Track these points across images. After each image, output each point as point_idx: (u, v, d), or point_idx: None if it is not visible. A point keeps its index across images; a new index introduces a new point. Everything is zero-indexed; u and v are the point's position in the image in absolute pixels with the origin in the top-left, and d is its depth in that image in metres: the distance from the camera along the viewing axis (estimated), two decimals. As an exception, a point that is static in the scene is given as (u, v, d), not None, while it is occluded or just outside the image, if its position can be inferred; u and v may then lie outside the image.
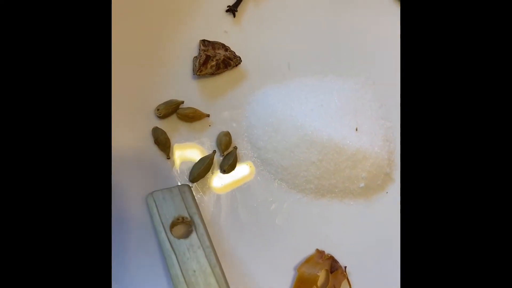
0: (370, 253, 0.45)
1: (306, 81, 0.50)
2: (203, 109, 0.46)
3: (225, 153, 0.46)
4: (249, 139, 0.47)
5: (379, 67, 0.52)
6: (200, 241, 0.40)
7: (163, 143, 0.44)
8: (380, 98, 0.51)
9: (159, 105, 0.45)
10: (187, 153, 0.45)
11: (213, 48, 0.47)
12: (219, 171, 0.45)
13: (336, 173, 0.45)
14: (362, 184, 0.46)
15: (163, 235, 0.40)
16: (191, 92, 0.47)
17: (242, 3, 0.51)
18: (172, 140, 0.45)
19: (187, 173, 0.44)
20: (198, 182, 0.45)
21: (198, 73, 0.46)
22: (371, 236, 0.46)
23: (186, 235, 0.40)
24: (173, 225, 0.41)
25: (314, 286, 0.42)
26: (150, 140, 0.45)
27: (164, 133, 0.44)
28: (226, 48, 0.47)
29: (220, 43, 0.47)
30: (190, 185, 0.44)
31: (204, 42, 0.47)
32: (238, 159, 0.46)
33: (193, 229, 0.40)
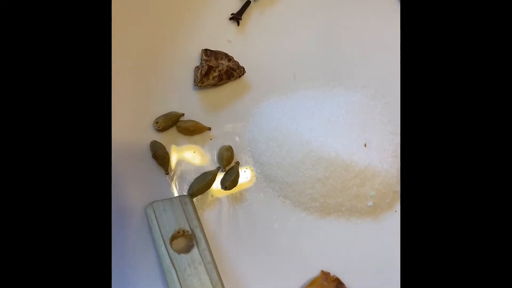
0: (377, 275, 0.43)
1: (312, 93, 0.48)
2: (204, 121, 0.44)
3: (227, 168, 0.44)
4: (252, 154, 0.45)
5: (389, 79, 0.50)
6: (201, 256, 0.38)
7: (161, 158, 0.42)
8: (389, 112, 0.49)
9: (158, 118, 0.43)
10: (187, 168, 0.43)
11: (216, 58, 0.45)
12: (220, 187, 0.43)
13: (343, 191, 0.44)
14: (370, 203, 0.45)
15: (163, 249, 0.38)
16: (192, 104, 0.45)
17: (246, 11, 0.49)
18: (171, 154, 0.43)
19: (186, 187, 0.43)
20: (198, 198, 0.43)
21: (199, 85, 0.44)
22: (379, 257, 0.44)
23: (187, 249, 0.39)
24: (173, 238, 0.39)
25: (319, 311, 0.40)
26: (148, 154, 0.43)
27: (163, 147, 0.43)
28: (229, 58, 0.45)
29: (223, 52, 0.46)
30: (190, 201, 0.42)
31: (206, 51, 0.45)
32: (240, 175, 0.44)
33: (194, 243, 0.39)
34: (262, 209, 0.44)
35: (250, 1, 0.49)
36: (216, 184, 0.43)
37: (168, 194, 0.42)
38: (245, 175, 0.44)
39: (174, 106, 0.45)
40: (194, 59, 0.47)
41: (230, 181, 0.42)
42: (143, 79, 0.45)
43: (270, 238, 0.43)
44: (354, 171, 0.43)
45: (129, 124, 0.43)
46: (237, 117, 0.46)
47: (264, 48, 0.49)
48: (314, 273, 0.43)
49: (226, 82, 0.46)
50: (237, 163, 0.44)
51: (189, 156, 0.44)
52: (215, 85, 0.45)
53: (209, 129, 0.44)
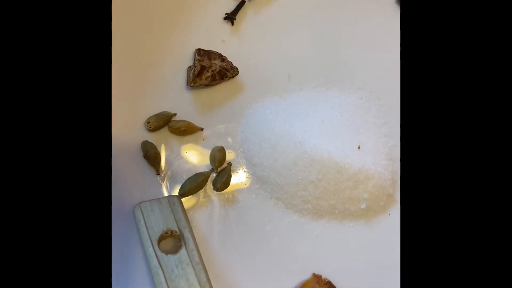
0: (370, 278, 0.43)
1: (307, 94, 0.48)
2: (196, 122, 0.44)
3: (219, 169, 0.43)
4: (245, 155, 0.45)
5: (384, 81, 0.50)
6: (189, 257, 0.38)
7: (153, 158, 0.42)
8: (384, 114, 0.48)
9: (150, 117, 0.43)
10: (179, 168, 0.43)
11: (209, 58, 0.44)
12: (211, 188, 0.43)
13: (336, 193, 0.43)
14: (363, 206, 0.44)
15: (150, 249, 0.38)
16: (184, 104, 0.45)
17: (241, 11, 0.49)
18: (163, 155, 0.43)
19: (178, 188, 0.42)
20: (189, 198, 0.42)
21: (192, 85, 0.44)
22: (372, 260, 0.43)
23: (175, 250, 0.38)
24: (161, 238, 0.39)
25: (310, 314, 0.40)
26: (139, 154, 0.42)
27: (154, 147, 0.42)
28: (222, 58, 0.45)
29: (216, 52, 0.45)
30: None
31: (199, 51, 0.45)
32: (232, 176, 0.43)
33: (183, 244, 0.38)
34: (254, 211, 0.43)
35: (244, 1, 0.49)
36: (208, 185, 0.43)
37: (159, 195, 0.42)
38: (238, 176, 0.44)
39: (166, 106, 0.44)
40: (187, 59, 0.46)
41: (221, 183, 0.42)
42: (135, 78, 0.45)
43: (262, 240, 0.42)
44: (347, 173, 0.43)
45: (120, 124, 0.43)
46: (230, 118, 0.46)
47: (259, 49, 0.49)
48: (305, 275, 0.42)
49: (219, 82, 0.46)
50: (229, 164, 0.44)
51: (181, 157, 0.43)
52: (208, 85, 0.45)
53: (202, 129, 0.44)
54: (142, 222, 0.39)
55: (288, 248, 0.43)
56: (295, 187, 0.43)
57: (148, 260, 0.38)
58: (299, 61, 0.49)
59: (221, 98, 0.46)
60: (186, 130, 0.43)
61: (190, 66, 0.45)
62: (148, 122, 0.42)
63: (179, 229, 0.39)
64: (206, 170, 0.43)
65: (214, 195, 0.43)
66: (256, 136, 0.45)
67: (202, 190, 0.43)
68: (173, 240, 0.39)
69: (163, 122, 0.43)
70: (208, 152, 0.44)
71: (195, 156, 0.44)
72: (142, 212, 0.39)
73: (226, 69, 0.45)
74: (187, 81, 0.45)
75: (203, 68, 0.44)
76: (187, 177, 0.42)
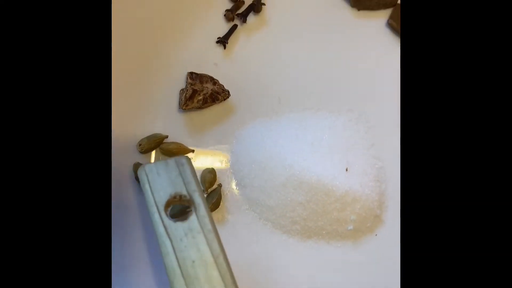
0: (357, 298, 0.43)
1: (297, 116, 0.48)
2: (188, 143, 0.45)
3: (209, 190, 0.44)
4: (235, 177, 0.45)
5: (373, 103, 0.50)
6: (200, 224, 0.33)
7: (144, 180, 0.42)
8: (373, 136, 0.49)
9: (141, 140, 0.44)
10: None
11: (201, 82, 0.45)
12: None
13: (323, 215, 0.44)
14: (350, 227, 0.45)
15: (156, 216, 0.33)
16: (176, 125, 0.46)
17: (233, 35, 0.50)
18: (154, 176, 0.43)
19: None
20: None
21: (184, 108, 0.45)
22: (359, 279, 0.44)
23: (184, 217, 0.34)
24: (168, 204, 0.34)
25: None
26: (131, 175, 0.43)
27: (145, 169, 0.43)
28: (214, 82, 0.46)
29: (208, 76, 0.46)
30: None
31: (191, 74, 0.46)
32: (222, 197, 0.44)
33: (193, 210, 0.34)
34: (243, 231, 0.44)
35: (236, 25, 0.50)
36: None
37: (149, 217, 0.42)
38: (228, 197, 0.45)
39: (158, 128, 0.45)
40: (180, 81, 0.47)
41: (211, 204, 0.43)
42: (128, 100, 0.46)
43: (251, 260, 0.43)
44: (335, 195, 0.44)
45: (112, 145, 0.43)
46: (221, 140, 0.46)
47: (250, 72, 0.49)
48: (293, 295, 0.42)
49: (211, 105, 0.46)
50: (220, 186, 0.44)
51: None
52: (199, 107, 0.46)
53: (193, 151, 0.45)
54: (147, 186, 0.34)
55: (276, 267, 0.43)
56: (284, 208, 0.44)
57: (154, 228, 0.33)
58: (289, 84, 0.50)
59: (212, 120, 0.47)
60: (177, 152, 0.44)
61: (182, 89, 0.46)
62: (140, 145, 0.43)
63: (188, 193, 0.34)
64: (197, 190, 0.44)
65: (204, 215, 0.44)
66: (246, 157, 0.45)
67: (193, 210, 0.43)
68: (182, 206, 0.35)
69: (154, 144, 0.44)
70: (199, 173, 0.45)
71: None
72: (146, 174, 0.35)
73: (217, 92, 0.45)
74: (179, 104, 0.46)
75: (194, 92, 0.44)
76: (178, 198, 0.43)
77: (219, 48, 0.50)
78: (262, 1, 0.51)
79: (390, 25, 0.54)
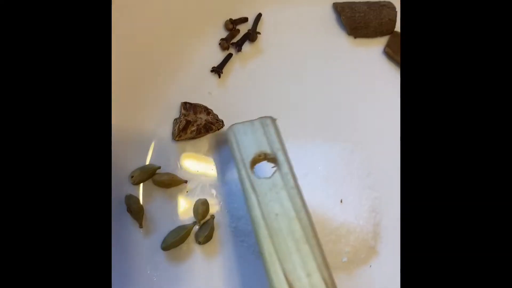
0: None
1: (291, 146, 0.48)
2: (181, 174, 0.45)
3: (202, 222, 0.44)
4: (228, 208, 0.45)
5: (369, 132, 0.50)
6: (283, 181, 0.36)
7: (136, 212, 0.42)
8: (368, 165, 0.49)
9: (134, 171, 0.43)
10: (162, 221, 0.43)
11: (195, 112, 0.45)
12: (194, 240, 0.43)
13: (317, 247, 0.44)
14: (345, 259, 0.44)
15: (243, 172, 0.37)
16: (169, 156, 0.45)
17: (228, 63, 0.49)
18: (146, 207, 0.43)
19: (161, 240, 0.42)
20: (172, 251, 0.42)
21: (177, 139, 0.44)
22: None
23: (269, 173, 0.37)
24: (254, 162, 0.37)
25: None
26: (123, 206, 0.43)
27: (137, 201, 0.42)
28: (208, 112, 0.46)
29: (202, 106, 0.46)
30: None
31: (185, 105, 0.45)
32: (215, 228, 0.44)
33: (276, 167, 0.37)
34: (237, 264, 0.43)
35: (231, 54, 0.50)
36: (192, 237, 0.43)
37: (141, 248, 0.42)
38: (221, 229, 0.44)
39: (151, 159, 0.45)
40: (174, 110, 0.47)
41: (204, 236, 0.42)
42: (120, 130, 0.45)
43: (243, 293, 0.42)
44: (329, 228, 0.43)
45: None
46: (214, 170, 0.46)
47: (245, 101, 0.49)
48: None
49: (205, 135, 0.46)
50: (212, 217, 0.44)
51: (164, 209, 0.44)
52: (193, 138, 0.45)
53: (186, 182, 0.45)
54: (235, 145, 0.38)
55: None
56: (278, 240, 0.43)
57: (241, 184, 0.37)
58: (284, 113, 0.49)
59: (206, 150, 0.46)
60: (170, 184, 0.44)
61: (176, 119, 0.46)
62: (132, 177, 0.43)
63: (272, 151, 0.37)
64: (190, 221, 0.43)
65: (197, 247, 0.43)
66: (240, 188, 0.45)
67: (185, 242, 0.43)
68: (267, 163, 0.38)
69: (147, 175, 0.43)
70: (192, 204, 0.44)
71: (179, 209, 0.44)
72: (234, 134, 0.39)
73: (211, 123, 0.45)
74: (172, 134, 0.46)
75: (188, 123, 0.44)
76: (170, 230, 0.43)
77: (213, 77, 0.49)
78: (258, 30, 0.51)
79: (386, 53, 0.54)
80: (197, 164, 0.46)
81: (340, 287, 0.44)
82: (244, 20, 0.52)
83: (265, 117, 0.40)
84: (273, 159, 0.38)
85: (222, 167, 0.46)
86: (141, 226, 0.42)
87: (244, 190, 0.36)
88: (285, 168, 0.37)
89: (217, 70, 0.49)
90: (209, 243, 0.43)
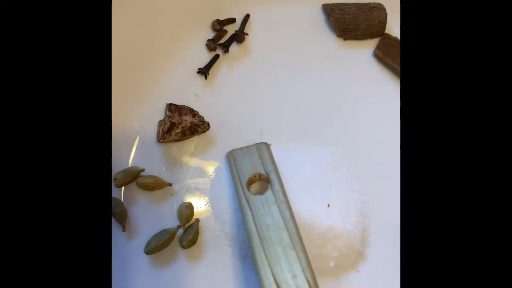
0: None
1: (278, 149, 0.47)
2: (165, 176, 0.44)
3: (186, 225, 0.43)
4: (213, 211, 0.44)
5: (358, 136, 0.50)
6: (275, 197, 0.41)
7: (119, 215, 0.41)
8: (357, 169, 0.48)
9: (117, 174, 0.43)
10: (146, 224, 0.43)
11: (180, 114, 0.44)
12: (179, 244, 0.42)
13: (304, 252, 0.43)
14: (331, 264, 0.44)
15: (240, 191, 0.42)
16: (153, 158, 0.45)
17: (215, 65, 0.49)
18: (129, 210, 0.42)
19: (144, 245, 0.42)
20: (155, 255, 0.42)
21: (161, 141, 0.44)
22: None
23: (262, 191, 0.42)
24: (250, 182, 0.43)
25: None
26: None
27: (120, 204, 0.42)
28: (194, 114, 0.45)
29: (188, 107, 0.45)
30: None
31: (170, 106, 0.45)
32: (200, 232, 0.43)
33: (269, 185, 0.42)
34: (221, 268, 0.43)
35: (218, 55, 0.49)
36: (176, 241, 0.42)
37: (124, 252, 0.41)
38: (206, 233, 0.44)
39: (134, 161, 0.44)
40: (159, 112, 0.46)
41: (188, 241, 0.42)
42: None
43: (228, 299, 0.42)
44: (315, 232, 0.43)
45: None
46: (199, 173, 0.45)
47: (231, 103, 0.49)
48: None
49: (190, 137, 0.45)
50: (197, 221, 0.43)
51: (148, 213, 0.43)
52: (178, 140, 0.45)
53: (170, 185, 0.44)
54: (233, 168, 0.44)
55: (255, 306, 0.42)
56: (263, 244, 0.43)
57: (238, 201, 0.42)
58: (272, 116, 0.49)
59: (191, 153, 0.46)
60: (154, 186, 0.43)
61: (161, 121, 0.45)
62: (115, 179, 0.42)
63: (266, 172, 0.43)
64: (175, 225, 0.43)
65: (181, 251, 0.42)
66: (225, 192, 0.44)
67: (169, 246, 0.42)
68: (260, 183, 0.44)
69: (130, 178, 0.42)
70: (176, 208, 0.44)
71: (163, 212, 0.43)
72: (234, 158, 0.44)
73: (197, 125, 0.44)
74: (157, 136, 0.45)
75: (173, 125, 0.43)
76: (154, 234, 0.42)
77: (200, 78, 0.49)
78: (245, 31, 0.51)
79: (376, 55, 0.53)
80: (182, 167, 0.45)
81: (327, 292, 0.44)
82: (232, 20, 0.51)
83: (260, 143, 0.46)
84: (266, 179, 0.43)
85: (208, 171, 0.46)
86: (124, 229, 0.42)
87: (240, 206, 0.42)
88: (276, 186, 0.42)
89: (204, 72, 0.48)
90: (193, 247, 0.43)
